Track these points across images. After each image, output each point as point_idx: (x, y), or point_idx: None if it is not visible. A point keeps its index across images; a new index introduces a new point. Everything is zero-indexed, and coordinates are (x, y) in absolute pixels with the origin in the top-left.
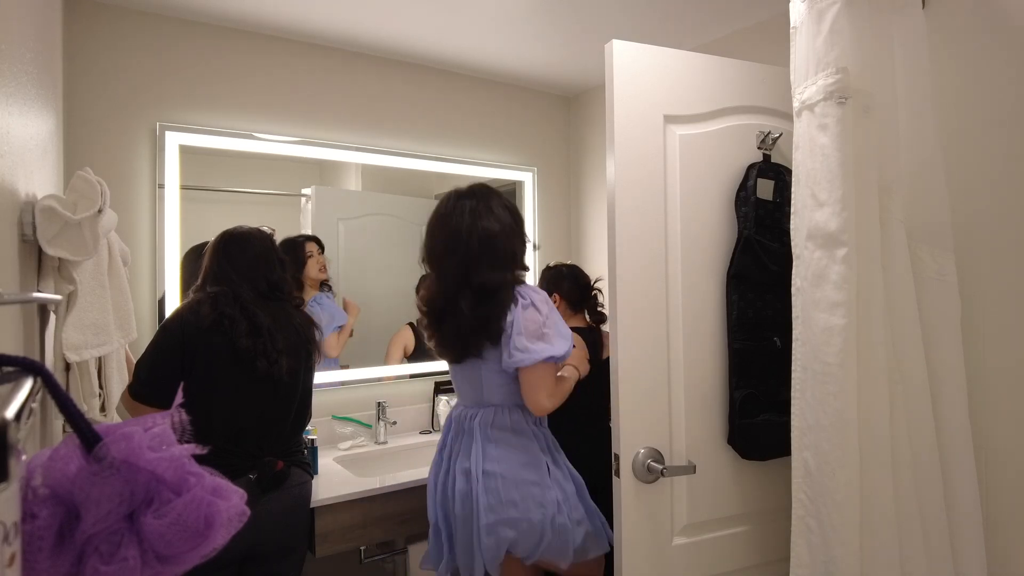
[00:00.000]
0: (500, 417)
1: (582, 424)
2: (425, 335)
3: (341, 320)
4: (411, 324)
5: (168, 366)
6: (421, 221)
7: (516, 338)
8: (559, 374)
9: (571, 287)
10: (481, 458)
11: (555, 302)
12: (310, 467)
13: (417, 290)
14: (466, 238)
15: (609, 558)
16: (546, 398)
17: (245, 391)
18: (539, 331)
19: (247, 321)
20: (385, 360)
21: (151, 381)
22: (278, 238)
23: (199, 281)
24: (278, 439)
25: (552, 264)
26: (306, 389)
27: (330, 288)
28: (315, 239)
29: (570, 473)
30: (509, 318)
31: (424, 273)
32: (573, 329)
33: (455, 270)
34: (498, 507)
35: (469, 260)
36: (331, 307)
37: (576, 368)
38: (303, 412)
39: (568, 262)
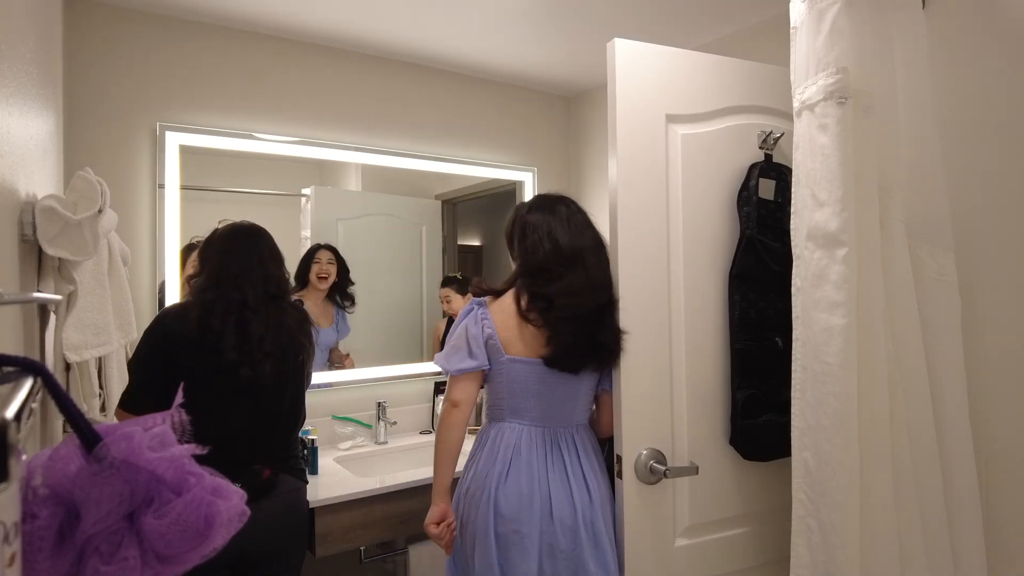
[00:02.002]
0: (590, 437)
1: None
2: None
3: (340, 338)
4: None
5: (155, 376)
6: (421, 221)
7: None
8: None
9: None
10: (596, 476)
11: None
12: (304, 473)
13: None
14: (604, 245)
15: None
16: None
17: (230, 399)
18: None
19: (236, 332)
20: (427, 356)
21: (141, 391)
22: (278, 238)
23: (203, 279)
24: (268, 445)
25: None
26: (296, 392)
27: (351, 302)
28: (328, 247)
29: None
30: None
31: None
32: None
33: (602, 278)
34: (608, 524)
35: (607, 268)
36: (340, 325)
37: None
38: (294, 414)
39: None
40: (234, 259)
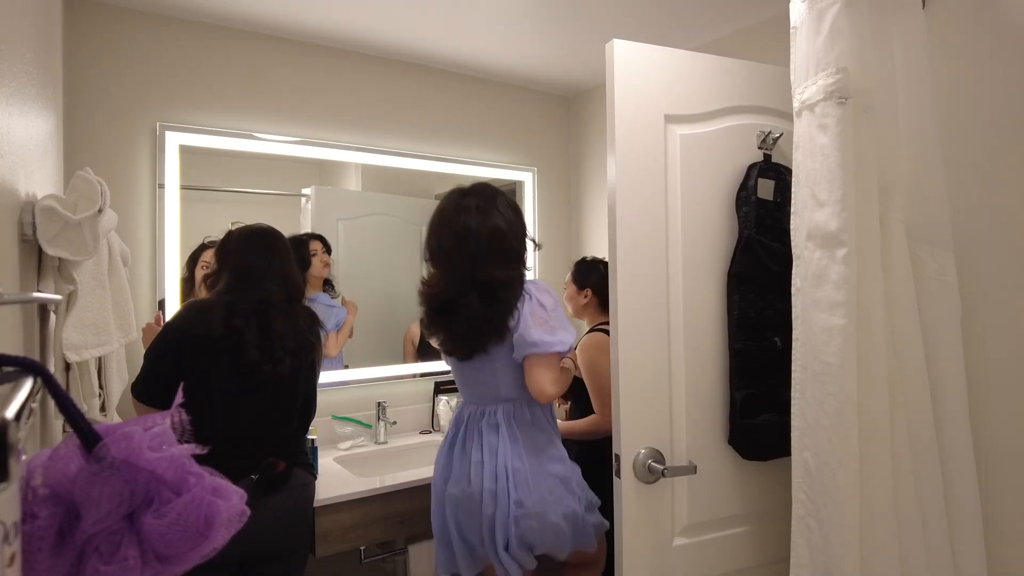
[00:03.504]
0: (521, 412)
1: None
2: (428, 333)
3: (340, 319)
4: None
5: (166, 371)
6: (421, 221)
7: (527, 330)
8: (561, 365)
9: (603, 284)
10: (510, 454)
11: (586, 297)
12: (313, 468)
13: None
14: (475, 235)
15: (610, 558)
16: (550, 384)
17: (246, 395)
18: (547, 324)
19: (259, 331)
20: (403, 359)
21: (149, 383)
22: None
23: (226, 279)
24: (281, 440)
25: (588, 258)
26: (309, 389)
27: (332, 287)
28: (320, 238)
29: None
30: (519, 311)
31: (427, 271)
32: (599, 327)
33: (463, 266)
34: (529, 503)
35: (478, 257)
36: (332, 306)
37: (573, 361)
38: (307, 412)
39: (604, 258)
40: (256, 260)
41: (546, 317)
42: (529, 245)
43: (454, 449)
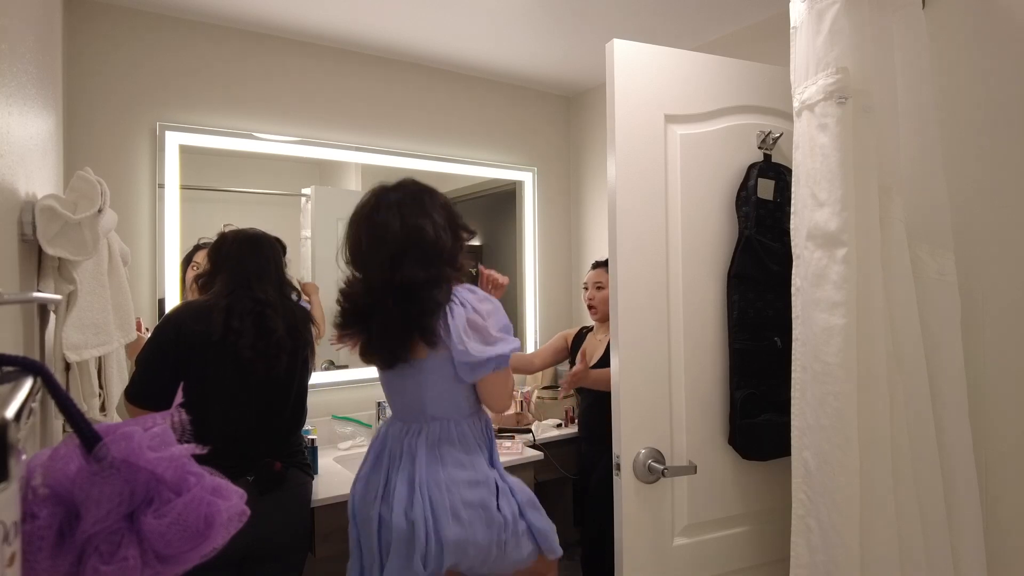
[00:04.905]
0: (447, 432)
1: None
2: (339, 337)
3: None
4: None
5: (163, 372)
6: None
7: (474, 348)
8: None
9: None
10: (427, 479)
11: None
12: (310, 468)
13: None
14: (392, 233)
15: (610, 557)
16: (509, 398)
17: (242, 394)
18: (486, 333)
19: (256, 331)
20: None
21: (144, 385)
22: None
23: (221, 282)
24: (276, 439)
25: (604, 260)
26: (301, 387)
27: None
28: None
29: (511, 487)
30: (450, 321)
31: (346, 275)
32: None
33: (381, 267)
34: (446, 527)
35: (396, 256)
36: None
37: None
38: (300, 410)
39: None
40: (250, 262)
41: (484, 325)
42: (464, 247)
43: (375, 467)
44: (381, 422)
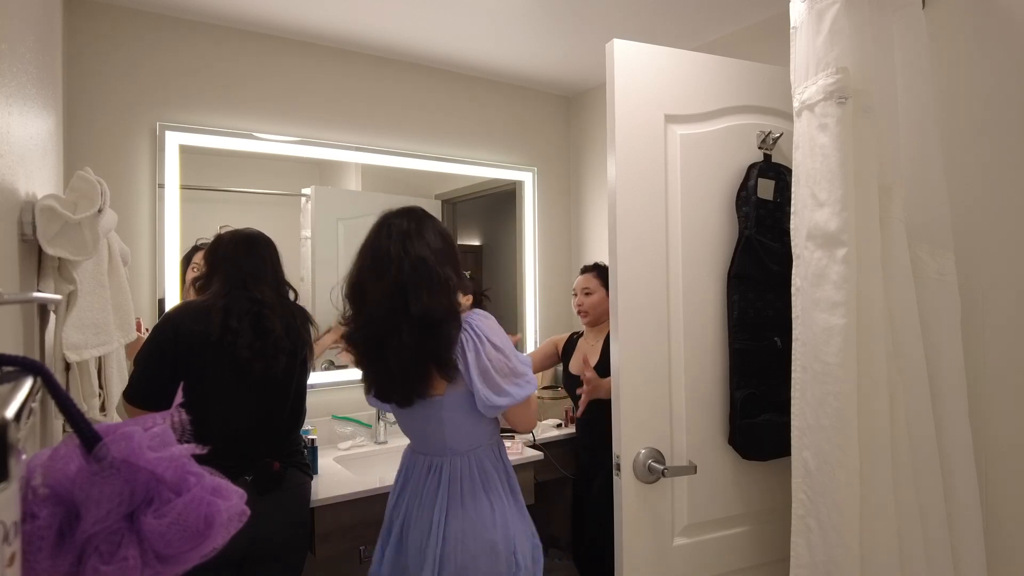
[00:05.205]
0: (469, 468)
1: None
2: (365, 383)
3: None
4: None
5: (161, 372)
6: None
7: (495, 379)
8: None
9: None
10: (445, 520)
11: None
12: (309, 468)
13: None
14: (396, 262)
15: (610, 557)
16: (533, 422)
17: (240, 394)
18: (508, 367)
19: (254, 332)
20: None
21: (143, 385)
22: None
23: (219, 283)
24: (274, 439)
25: (600, 263)
26: (300, 387)
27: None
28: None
29: (522, 513)
30: (467, 355)
31: (345, 309)
32: None
33: (388, 298)
34: (463, 566)
35: (403, 287)
36: None
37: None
38: (298, 410)
39: (603, 261)
40: (247, 263)
41: (505, 360)
42: (461, 277)
43: (400, 499)
44: (406, 448)
